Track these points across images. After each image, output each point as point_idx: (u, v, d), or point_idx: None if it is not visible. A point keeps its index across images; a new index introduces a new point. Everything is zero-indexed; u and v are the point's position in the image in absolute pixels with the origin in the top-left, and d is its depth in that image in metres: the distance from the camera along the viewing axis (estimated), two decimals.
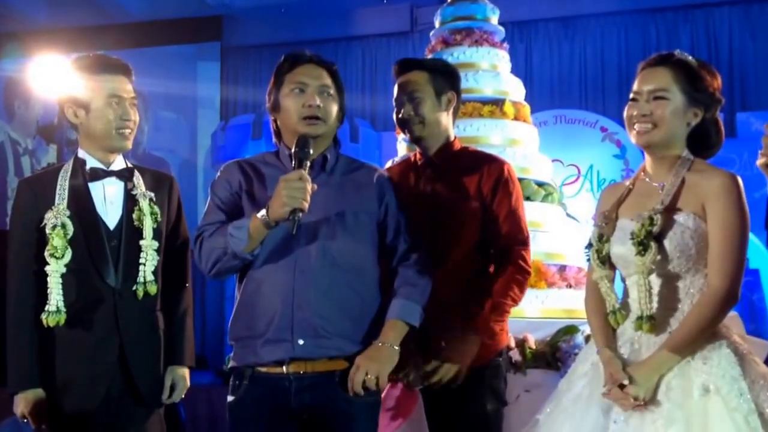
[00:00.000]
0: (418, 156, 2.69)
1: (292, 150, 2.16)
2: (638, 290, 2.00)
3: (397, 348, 2.17)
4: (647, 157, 2.14)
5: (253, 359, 2.17)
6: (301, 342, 2.13)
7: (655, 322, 1.98)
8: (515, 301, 2.53)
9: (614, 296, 2.08)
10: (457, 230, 2.52)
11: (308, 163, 2.13)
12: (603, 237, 2.09)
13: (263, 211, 2.09)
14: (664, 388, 1.90)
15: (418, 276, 2.26)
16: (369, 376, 2.11)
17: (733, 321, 2.05)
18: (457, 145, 2.67)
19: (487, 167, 2.59)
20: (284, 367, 2.14)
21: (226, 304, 8.50)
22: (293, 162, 2.13)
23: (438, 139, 2.62)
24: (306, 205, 2.06)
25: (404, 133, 2.65)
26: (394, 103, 2.64)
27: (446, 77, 2.63)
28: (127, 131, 2.44)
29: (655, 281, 2.02)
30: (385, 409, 2.34)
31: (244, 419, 2.19)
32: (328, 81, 2.27)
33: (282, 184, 2.07)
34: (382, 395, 2.30)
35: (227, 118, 9.06)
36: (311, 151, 2.15)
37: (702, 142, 2.10)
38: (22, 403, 2.32)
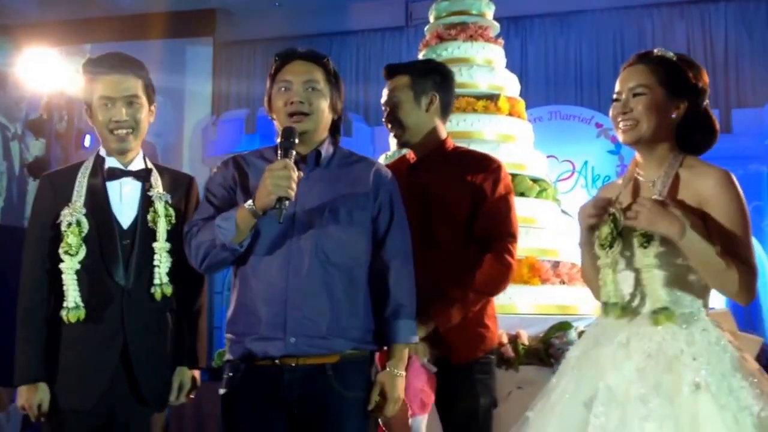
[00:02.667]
0: (411, 155, 2.69)
1: (278, 141, 2.14)
2: (641, 283, 1.98)
3: (404, 374, 2.21)
4: (637, 154, 2.12)
5: (248, 354, 2.16)
6: (293, 340, 2.12)
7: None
8: (489, 293, 2.53)
9: (613, 287, 2.04)
10: (449, 218, 2.51)
11: (293, 153, 2.11)
12: (605, 222, 2.05)
13: (250, 201, 2.08)
14: (653, 383, 1.87)
15: (403, 287, 2.25)
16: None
17: (724, 318, 2.03)
18: (450, 145, 2.67)
19: (478, 163, 2.60)
20: (277, 360, 2.13)
21: (214, 299, 8.49)
22: (279, 153, 2.12)
23: (425, 141, 2.62)
24: (292, 194, 2.04)
25: (392, 137, 2.67)
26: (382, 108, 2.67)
27: (428, 78, 2.62)
28: (122, 132, 2.39)
29: (646, 275, 2.00)
30: (415, 395, 2.33)
31: (237, 410, 2.18)
32: (316, 76, 2.24)
33: (267, 173, 2.05)
34: (408, 381, 2.31)
35: (219, 113, 9.05)
36: (296, 141, 2.13)
37: (692, 137, 2.08)
38: (24, 396, 2.32)
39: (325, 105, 2.24)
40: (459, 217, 2.51)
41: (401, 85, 2.59)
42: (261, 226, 2.13)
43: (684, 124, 2.06)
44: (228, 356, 2.23)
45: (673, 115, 2.04)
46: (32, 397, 2.30)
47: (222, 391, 2.21)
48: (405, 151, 2.77)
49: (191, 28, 9.28)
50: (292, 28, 8.96)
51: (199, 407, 4.76)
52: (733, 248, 1.93)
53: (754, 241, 7.52)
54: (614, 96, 2.08)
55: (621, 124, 2.05)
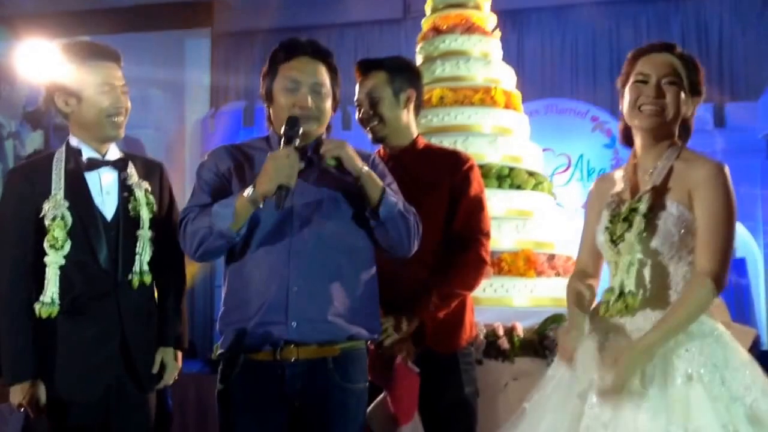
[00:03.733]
0: (382, 152, 2.72)
1: (282, 129, 2.16)
2: (622, 269, 2.00)
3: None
4: (638, 143, 2.13)
5: (245, 343, 2.17)
6: (294, 324, 2.14)
7: (633, 299, 1.98)
8: (468, 290, 2.62)
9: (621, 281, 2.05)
10: (427, 217, 2.50)
11: (297, 142, 2.13)
12: (616, 218, 2.07)
13: (250, 188, 2.09)
14: (646, 374, 1.91)
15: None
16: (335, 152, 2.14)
17: (718, 309, 2.06)
18: (421, 143, 2.73)
19: (451, 161, 2.67)
20: (277, 354, 2.15)
21: (215, 292, 8.52)
22: (282, 141, 2.14)
23: (400, 137, 2.67)
24: (293, 182, 2.07)
25: (366, 132, 2.70)
26: (355, 104, 2.69)
27: (405, 75, 2.68)
28: (120, 119, 2.41)
29: (641, 268, 2.02)
30: (400, 403, 2.37)
31: (235, 407, 2.20)
32: (323, 77, 2.25)
33: (269, 160, 2.08)
34: (395, 387, 2.35)
35: (217, 105, 9.04)
36: (300, 131, 2.15)
37: (686, 130, 2.13)
38: (19, 394, 2.31)
39: (329, 106, 2.27)
40: (437, 218, 2.57)
41: (380, 81, 2.63)
42: (260, 216, 2.14)
43: (685, 120, 2.11)
44: (221, 350, 2.23)
45: (689, 113, 2.09)
46: (29, 394, 2.30)
47: (219, 386, 2.22)
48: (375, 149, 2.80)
49: (189, 20, 9.27)
50: (290, 20, 8.95)
51: (202, 398, 4.80)
52: (708, 242, 1.96)
53: (746, 232, 7.54)
54: (638, 77, 2.05)
55: (646, 108, 2.03)
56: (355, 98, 2.69)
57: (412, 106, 2.68)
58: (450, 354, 2.58)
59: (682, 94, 2.06)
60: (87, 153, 2.42)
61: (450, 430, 2.57)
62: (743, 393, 1.86)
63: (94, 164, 2.41)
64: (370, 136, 2.70)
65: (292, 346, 2.15)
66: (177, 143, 9.37)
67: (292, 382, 2.15)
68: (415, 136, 2.70)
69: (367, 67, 2.69)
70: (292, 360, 2.15)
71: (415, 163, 2.63)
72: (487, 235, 2.63)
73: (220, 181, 2.24)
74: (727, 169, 2.02)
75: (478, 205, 2.63)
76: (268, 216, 2.16)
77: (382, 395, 2.40)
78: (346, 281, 2.20)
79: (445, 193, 2.59)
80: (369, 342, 2.30)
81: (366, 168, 2.16)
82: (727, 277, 1.98)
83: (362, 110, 2.66)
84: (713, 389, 1.86)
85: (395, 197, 2.20)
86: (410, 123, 2.69)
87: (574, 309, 2.08)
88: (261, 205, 2.08)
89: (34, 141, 9.26)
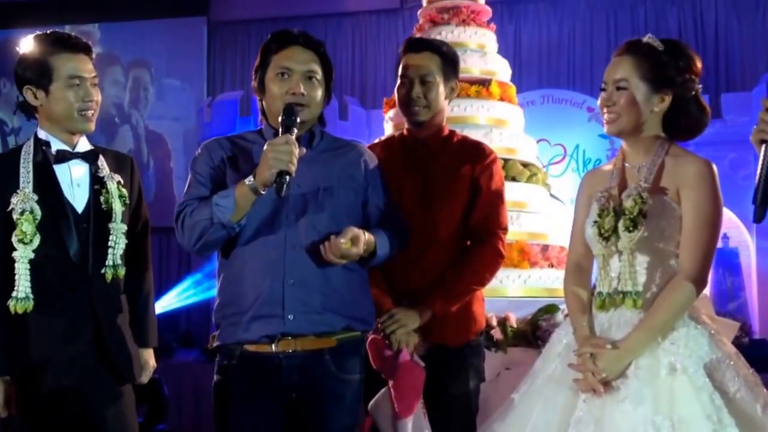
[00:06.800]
0: (405, 133, 2.71)
1: (279, 119, 2.15)
2: (622, 266, 2.03)
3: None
4: (623, 142, 2.17)
5: (242, 336, 2.18)
6: (291, 317, 2.15)
7: (639, 298, 2.01)
8: (482, 285, 2.62)
9: (611, 277, 2.09)
10: (448, 206, 2.58)
11: (295, 131, 2.13)
12: (604, 212, 2.09)
13: (250, 177, 2.09)
14: (632, 367, 1.95)
15: (396, 235, 2.30)
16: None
17: (702, 302, 2.09)
18: (446, 131, 2.72)
19: (475, 152, 2.66)
20: (273, 345, 2.16)
21: (212, 282, 8.55)
22: (280, 130, 2.13)
23: (434, 125, 2.66)
24: (293, 168, 2.05)
25: (405, 113, 2.65)
26: (399, 80, 2.62)
27: (453, 66, 2.66)
28: (90, 113, 2.37)
29: (628, 258, 2.04)
30: (404, 395, 2.39)
31: (232, 398, 2.21)
32: (315, 66, 2.25)
33: (268, 148, 2.06)
34: (398, 378, 2.37)
35: (214, 95, 9.03)
36: (298, 120, 2.15)
37: (677, 125, 2.11)
38: None
39: (321, 95, 2.26)
40: (457, 204, 2.58)
41: (435, 66, 2.59)
42: (254, 208, 2.13)
43: (670, 114, 2.09)
44: (218, 342, 2.23)
45: (656, 109, 2.06)
46: (2, 392, 2.27)
47: (216, 378, 2.22)
48: (395, 133, 2.79)
49: (185, 9, 9.24)
50: (286, 9, 8.94)
51: (198, 387, 4.84)
52: (692, 241, 1.99)
53: (735, 219, 7.56)
54: (602, 85, 2.11)
55: (605, 116, 2.10)
56: (400, 74, 2.62)
57: (451, 96, 2.68)
58: (458, 347, 2.57)
59: (636, 95, 2.05)
60: (56, 145, 2.37)
61: (450, 423, 2.57)
62: (727, 384, 1.90)
63: (63, 156, 2.37)
64: (407, 116, 2.64)
65: (290, 337, 2.16)
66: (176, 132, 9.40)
67: (289, 373, 2.17)
68: (444, 124, 2.69)
69: (422, 46, 2.64)
70: (290, 351, 2.16)
71: (440, 150, 2.63)
72: (505, 229, 2.64)
73: (216, 174, 2.24)
74: (715, 168, 2.04)
75: (498, 198, 2.63)
76: (262, 207, 2.16)
77: (386, 387, 2.40)
78: (341, 272, 2.20)
79: (467, 182, 2.59)
80: (366, 333, 2.31)
81: (367, 239, 2.16)
82: (708, 275, 2.02)
83: (413, 91, 2.58)
84: (697, 380, 1.88)
85: (386, 245, 2.24)
86: (445, 113, 2.68)
87: (580, 318, 2.12)
88: (263, 192, 2.08)
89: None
